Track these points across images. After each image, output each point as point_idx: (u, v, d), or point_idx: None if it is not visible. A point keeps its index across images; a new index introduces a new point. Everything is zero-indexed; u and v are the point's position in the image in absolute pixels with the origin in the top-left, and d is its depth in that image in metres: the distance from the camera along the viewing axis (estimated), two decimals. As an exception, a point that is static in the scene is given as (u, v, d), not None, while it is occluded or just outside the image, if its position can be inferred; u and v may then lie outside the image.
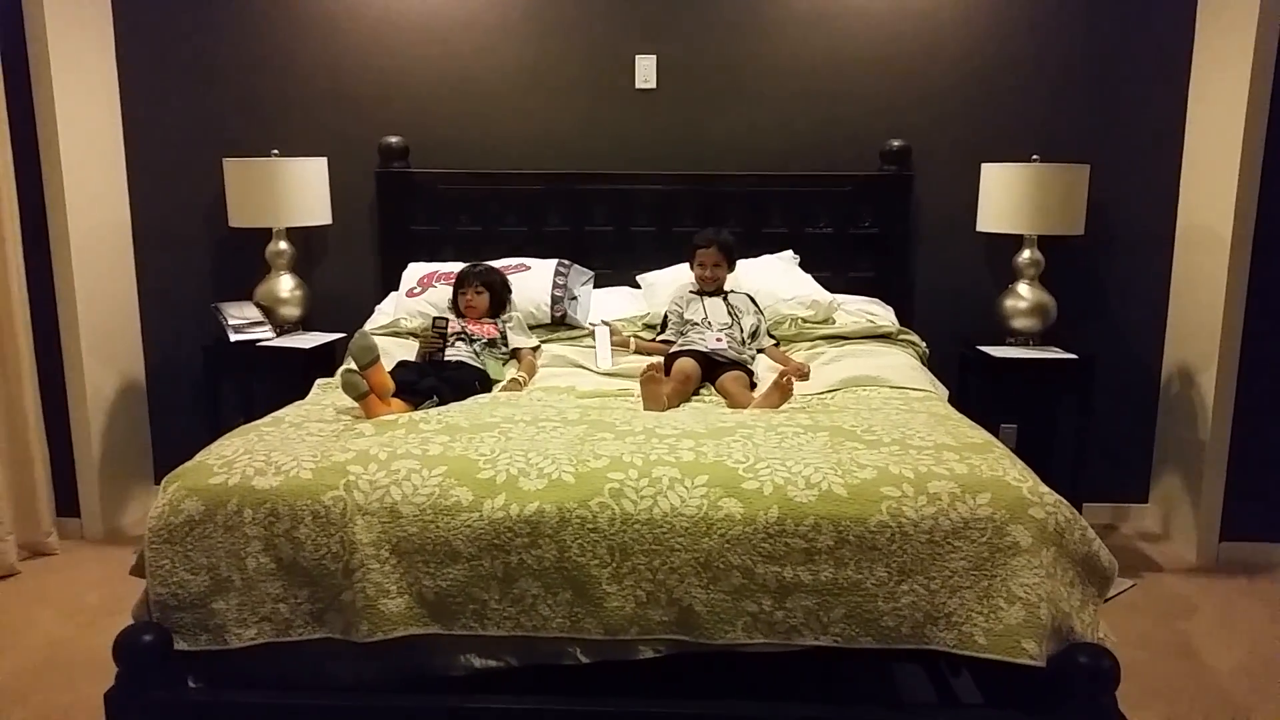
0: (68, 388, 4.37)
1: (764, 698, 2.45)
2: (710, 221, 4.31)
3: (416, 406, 3.08)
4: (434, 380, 3.23)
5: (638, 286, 4.33)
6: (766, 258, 4.28)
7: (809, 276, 4.21)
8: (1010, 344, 4.26)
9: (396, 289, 4.28)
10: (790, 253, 4.33)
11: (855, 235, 4.44)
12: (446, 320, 3.54)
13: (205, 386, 4.36)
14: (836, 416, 2.93)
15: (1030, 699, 2.39)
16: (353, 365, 3.05)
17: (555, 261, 4.20)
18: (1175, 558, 4.34)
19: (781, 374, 3.26)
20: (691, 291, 3.96)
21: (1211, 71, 4.23)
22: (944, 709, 2.78)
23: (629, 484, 2.43)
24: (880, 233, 4.43)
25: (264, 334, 4.27)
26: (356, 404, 2.97)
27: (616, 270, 4.44)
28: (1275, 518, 4.27)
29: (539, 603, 2.41)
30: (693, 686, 2.49)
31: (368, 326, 4.04)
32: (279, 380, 4.15)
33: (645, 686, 2.47)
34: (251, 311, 4.32)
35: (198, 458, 2.63)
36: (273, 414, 3.02)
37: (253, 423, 2.92)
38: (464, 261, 4.14)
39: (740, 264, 4.06)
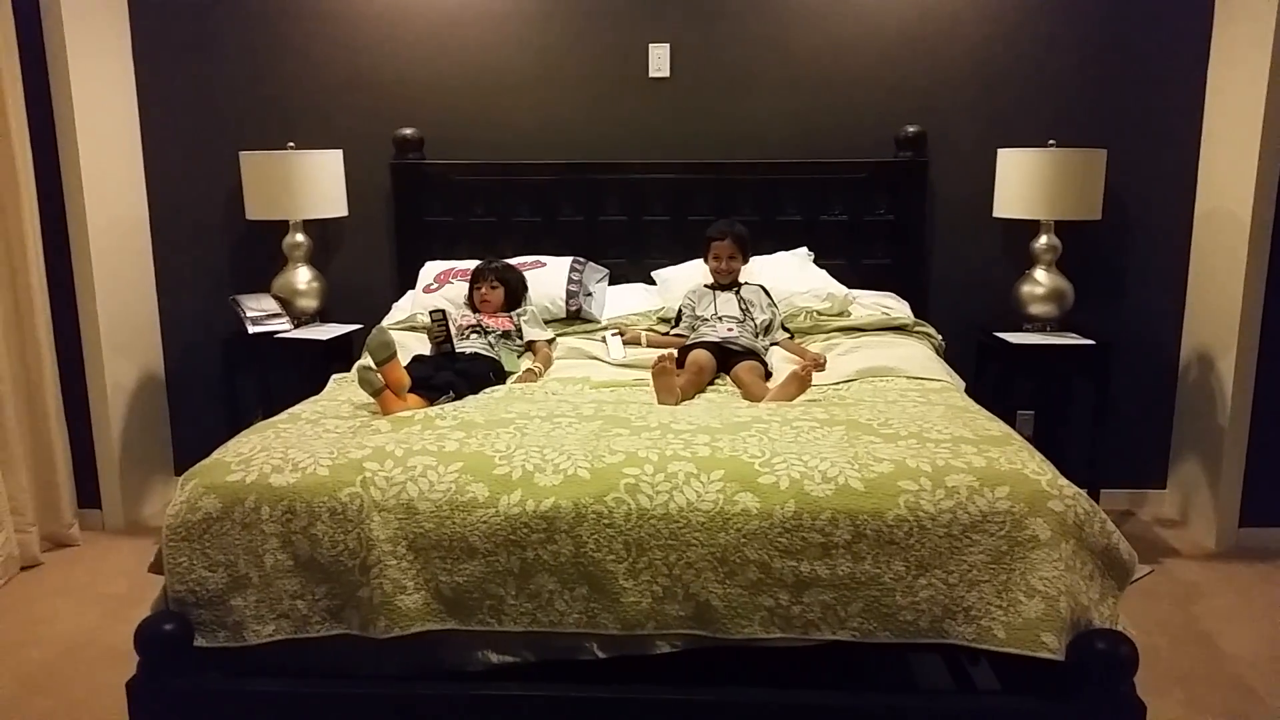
0: (88, 381, 4.39)
1: (779, 684, 2.45)
2: (725, 210, 4.31)
3: (432, 402, 3.08)
4: (450, 375, 3.23)
5: (653, 283, 4.33)
6: (781, 254, 4.27)
7: (824, 272, 4.20)
8: (1027, 330, 4.24)
9: (412, 278, 4.30)
10: (805, 249, 4.31)
11: (871, 222, 4.42)
12: (444, 312, 3.54)
13: (224, 378, 4.39)
14: (852, 410, 2.92)
15: (1049, 686, 2.38)
16: (369, 361, 3.06)
17: (570, 259, 4.21)
18: (1193, 544, 4.32)
19: (802, 367, 3.25)
20: (705, 286, 3.96)
21: (1230, 54, 4.19)
22: (961, 696, 2.76)
23: (645, 479, 2.43)
24: (896, 219, 4.41)
25: (282, 326, 4.29)
26: (373, 400, 2.98)
27: (630, 260, 4.44)
28: (1294, 504, 4.25)
29: (555, 598, 2.41)
30: (708, 676, 2.49)
31: (385, 322, 4.04)
32: (297, 372, 4.19)
33: (661, 682, 2.47)
34: (269, 303, 4.34)
35: (215, 455, 2.64)
36: (289, 410, 3.03)
37: (269, 419, 2.94)
38: (479, 252, 4.16)
39: (755, 260, 4.06)
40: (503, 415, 2.84)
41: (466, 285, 3.99)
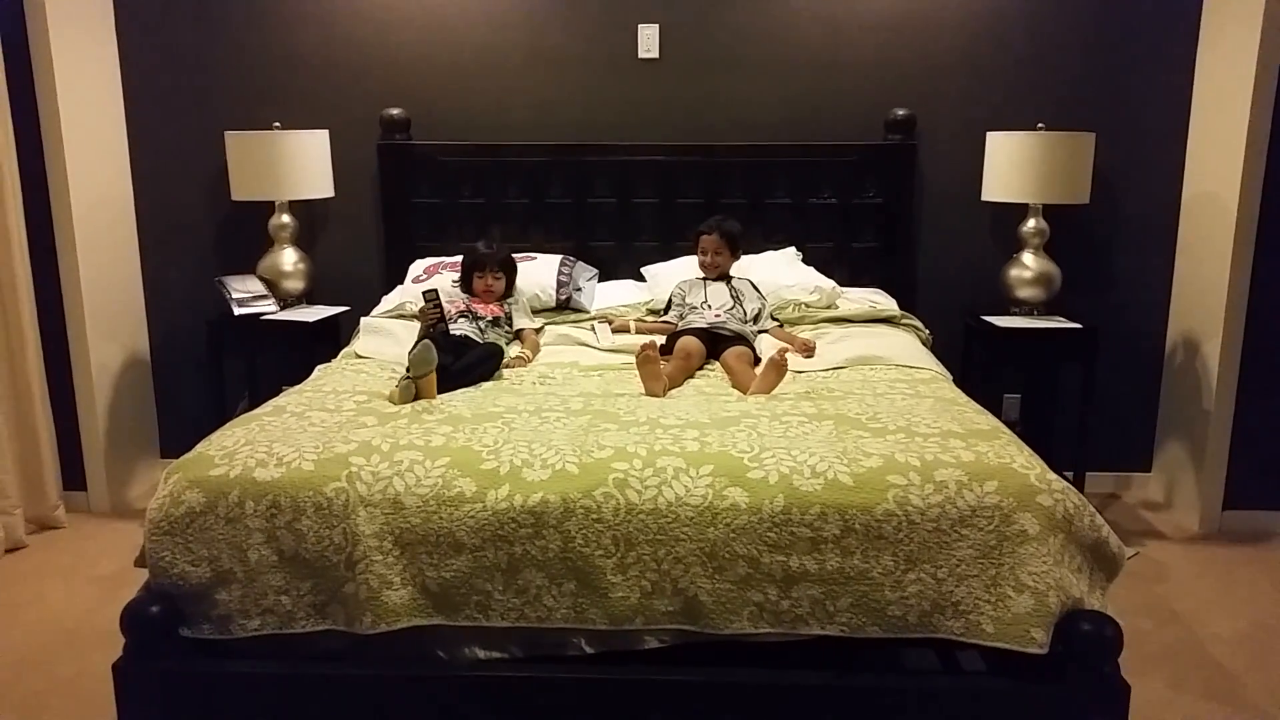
0: (73, 362, 4.36)
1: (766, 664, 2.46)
2: (714, 193, 4.30)
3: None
4: (463, 367, 3.20)
5: (643, 279, 4.30)
6: (769, 254, 4.26)
7: (811, 269, 4.20)
8: (1014, 314, 4.24)
9: (399, 259, 4.30)
10: (793, 250, 4.31)
11: (859, 205, 4.41)
12: (436, 292, 3.50)
13: (209, 360, 4.35)
14: (841, 404, 2.92)
15: (1034, 666, 2.39)
16: (408, 374, 3.00)
17: (559, 258, 4.19)
18: (1178, 526, 4.34)
19: (779, 352, 3.21)
20: (697, 277, 3.95)
21: (1219, 38, 4.17)
22: (947, 677, 2.77)
23: (633, 474, 2.43)
24: (884, 203, 4.39)
25: (268, 307, 4.26)
26: (386, 398, 2.96)
27: (619, 243, 4.43)
28: (1278, 486, 4.26)
29: (543, 594, 2.41)
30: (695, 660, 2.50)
31: (374, 313, 4.04)
32: (283, 354, 4.18)
33: (649, 663, 2.48)
34: (255, 285, 4.31)
35: (198, 448, 2.62)
36: (273, 402, 3.00)
37: (254, 411, 2.92)
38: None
39: (743, 259, 4.04)
40: (490, 409, 2.83)
41: (455, 274, 3.95)
